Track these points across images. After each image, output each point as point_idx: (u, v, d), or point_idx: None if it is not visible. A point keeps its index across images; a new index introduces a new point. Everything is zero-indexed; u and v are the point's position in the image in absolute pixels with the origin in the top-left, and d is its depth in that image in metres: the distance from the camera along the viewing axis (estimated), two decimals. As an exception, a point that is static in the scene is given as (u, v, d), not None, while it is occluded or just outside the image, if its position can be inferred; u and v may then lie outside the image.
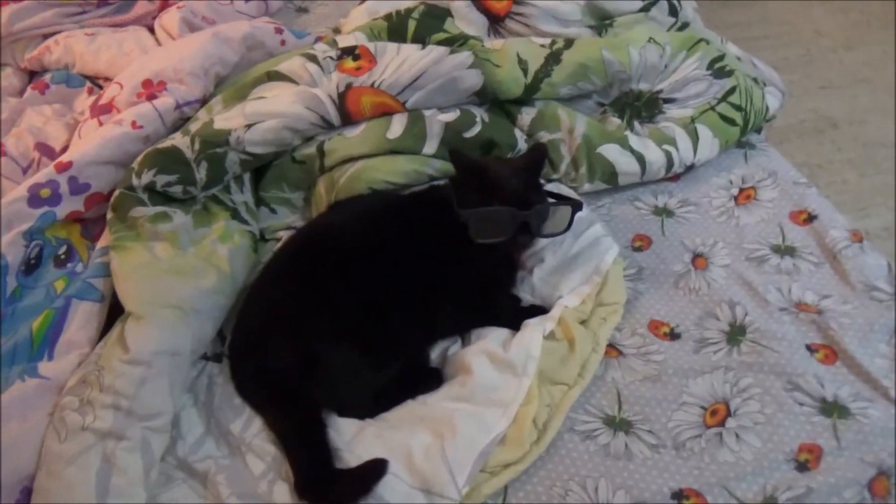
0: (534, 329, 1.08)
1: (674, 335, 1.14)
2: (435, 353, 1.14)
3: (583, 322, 1.11)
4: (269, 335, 1.04)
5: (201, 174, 1.22)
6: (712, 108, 1.39)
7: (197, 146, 1.22)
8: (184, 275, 1.11)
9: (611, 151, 1.31)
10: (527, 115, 1.33)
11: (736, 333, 1.15)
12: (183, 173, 1.21)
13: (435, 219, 1.11)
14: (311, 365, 1.01)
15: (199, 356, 1.11)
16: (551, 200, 1.13)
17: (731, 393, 1.08)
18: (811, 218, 1.31)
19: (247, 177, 1.30)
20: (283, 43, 1.56)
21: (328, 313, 1.02)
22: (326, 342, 1.02)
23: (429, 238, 1.09)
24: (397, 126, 1.25)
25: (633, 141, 1.33)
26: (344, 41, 1.37)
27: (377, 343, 1.04)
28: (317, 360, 1.01)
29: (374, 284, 1.04)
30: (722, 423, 1.05)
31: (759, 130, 1.49)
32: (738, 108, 1.39)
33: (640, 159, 1.32)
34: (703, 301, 1.19)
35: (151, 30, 1.69)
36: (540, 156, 1.16)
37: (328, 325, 1.02)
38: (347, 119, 1.26)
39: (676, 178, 1.40)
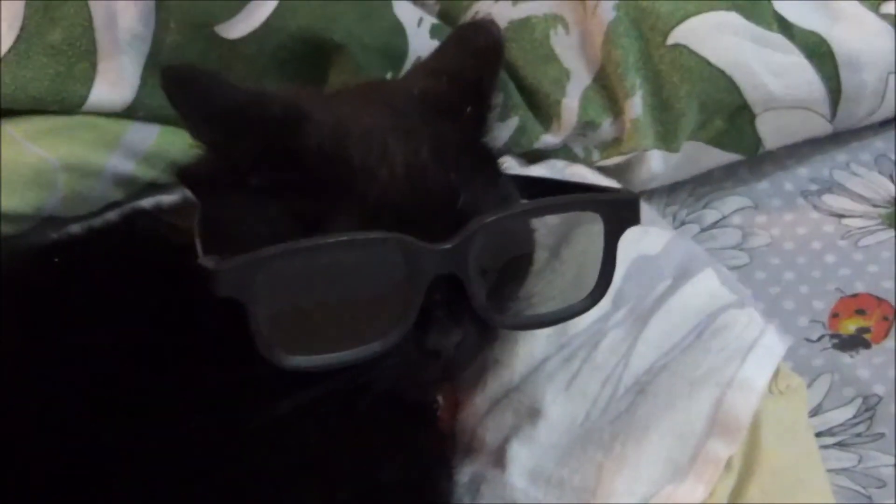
0: None
1: None
2: None
3: None
4: None
5: None
6: None
7: None
8: None
9: (717, 38, 0.80)
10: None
11: None
12: None
13: (137, 314, 0.60)
14: None
15: None
16: (528, 202, 0.65)
17: None
18: None
19: None
20: None
21: None
22: None
23: (119, 385, 0.57)
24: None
25: (788, 3, 0.84)
26: None
27: None
28: None
29: None
30: None
31: None
32: None
33: (817, 50, 0.80)
34: None
35: None
36: (481, 57, 0.66)
37: None
38: None
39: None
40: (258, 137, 0.57)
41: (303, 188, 0.56)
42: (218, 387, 0.56)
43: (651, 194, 0.83)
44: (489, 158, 0.63)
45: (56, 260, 0.64)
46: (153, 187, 0.73)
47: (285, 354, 0.54)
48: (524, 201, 0.63)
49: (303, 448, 0.58)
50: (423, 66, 0.70)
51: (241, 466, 0.56)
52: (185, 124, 0.58)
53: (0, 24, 0.74)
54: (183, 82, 0.57)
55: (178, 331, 0.57)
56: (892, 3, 0.85)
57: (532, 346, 0.67)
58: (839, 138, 0.85)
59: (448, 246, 0.54)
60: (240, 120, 0.57)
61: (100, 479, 0.55)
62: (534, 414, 0.65)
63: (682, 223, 0.83)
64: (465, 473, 0.65)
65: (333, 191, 0.57)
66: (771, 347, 0.66)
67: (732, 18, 0.80)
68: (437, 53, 0.70)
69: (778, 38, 0.80)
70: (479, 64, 0.64)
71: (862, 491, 0.65)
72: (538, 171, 0.79)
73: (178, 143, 0.69)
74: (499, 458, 0.64)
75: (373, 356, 0.55)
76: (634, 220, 0.60)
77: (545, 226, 0.66)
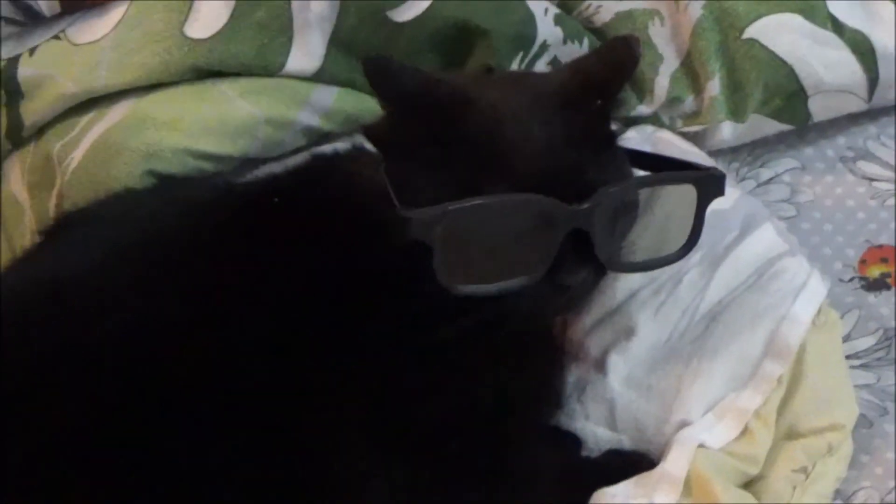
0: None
1: None
2: None
3: (749, 484, 0.71)
4: None
5: None
6: None
7: None
8: None
9: (782, 34, 0.86)
10: (557, -41, 0.89)
11: None
12: None
13: (330, 245, 0.67)
14: None
15: None
16: (642, 174, 0.73)
17: None
18: None
19: None
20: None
21: None
22: None
23: (317, 298, 0.65)
24: (212, 7, 0.78)
25: (840, 5, 0.87)
26: None
27: None
28: None
29: (164, 433, 0.59)
30: None
31: None
32: None
33: (861, 46, 0.87)
34: None
35: None
36: (617, 65, 0.72)
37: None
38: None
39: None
40: (430, 118, 0.65)
41: (464, 160, 0.64)
42: (394, 312, 0.65)
43: (717, 153, 0.88)
44: (611, 139, 0.70)
45: (260, 193, 0.72)
46: (328, 136, 0.80)
47: (458, 284, 0.62)
48: (638, 173, 0.71)
49: (459, 361, 0.66)
50: (567, 66, 0.77)
51: (413, 377, 0.65)
52: (379, 101, 0.66)
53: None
54: (378, 69, 0.65)
55: (358, 263, 0.65)
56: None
57: (629, 280, 0.75)
58: (872, 114, 0.89)
59: (584, 206, 0.62)
60: (415, 102, 0.65)
61: (292, 395, 0.62)
62: (629, 332, 0.73)
63: (743, 178, 0.88)
64: (572, 376, 0.73)
65: (490, 163, 0.64)
66: (816, 290, 0.74)
67: (795, 19, 0.86)
68: (584, 57, 0.78)
69: (831, 37, 0.86)
70: (612, 70, 0.70)
71: (879, 403, 0.72)
72: (632, 134, 0.85)
73: (351, 102, 0.79)
74: (600, 366, 0.73)
75: (521, 287, 0.63)
76: (721, 192, 0.68)
77: (649, 188, 0.71)
